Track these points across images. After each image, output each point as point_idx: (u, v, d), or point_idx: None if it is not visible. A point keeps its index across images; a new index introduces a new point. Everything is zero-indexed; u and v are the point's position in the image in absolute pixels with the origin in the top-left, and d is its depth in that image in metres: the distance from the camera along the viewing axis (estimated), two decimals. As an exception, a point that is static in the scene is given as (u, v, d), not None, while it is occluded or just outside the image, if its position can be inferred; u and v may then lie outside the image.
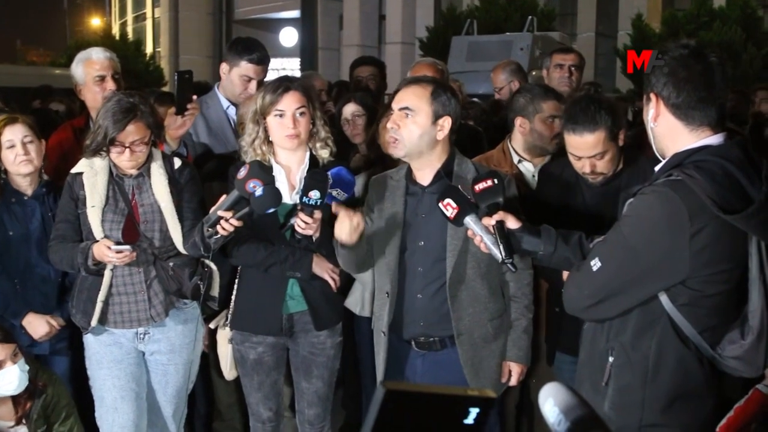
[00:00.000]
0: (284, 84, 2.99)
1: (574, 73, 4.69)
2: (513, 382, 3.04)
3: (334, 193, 2.91)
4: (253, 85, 3.84)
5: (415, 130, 2.78)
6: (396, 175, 3.00)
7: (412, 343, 2.95)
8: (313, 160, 3.07)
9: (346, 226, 2.73)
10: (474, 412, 0.75)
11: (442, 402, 0.74)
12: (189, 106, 3.40)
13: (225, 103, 3.92)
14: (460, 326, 2.87)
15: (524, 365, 3.04)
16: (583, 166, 2.94)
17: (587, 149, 2.88)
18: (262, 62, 3.91)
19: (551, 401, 0.84)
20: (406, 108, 2.80)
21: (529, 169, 3.49)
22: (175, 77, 3.44)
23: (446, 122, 2.80)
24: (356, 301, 3.62)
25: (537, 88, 3.58)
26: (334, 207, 2.80)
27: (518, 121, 3.45)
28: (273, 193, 2.77)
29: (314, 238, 2.95)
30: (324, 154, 3.07)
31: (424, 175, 2.90)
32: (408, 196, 2.92)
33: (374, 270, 3.06)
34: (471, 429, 0.74)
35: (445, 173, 2.87)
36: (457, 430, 0.74)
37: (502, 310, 2.97)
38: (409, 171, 2.94)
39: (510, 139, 3.55)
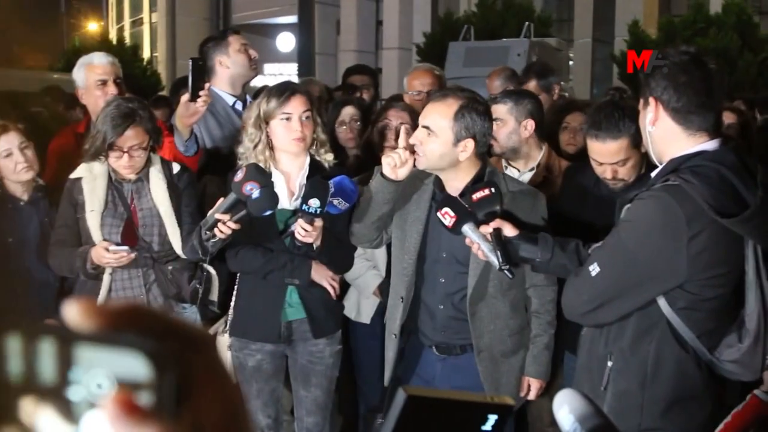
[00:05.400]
0: (290, 87, 3.02)
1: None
2: (531, 396, 3.00)
3: (336, 202, 2.85)
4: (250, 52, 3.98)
5: (436, 150, 2.67)
6: (426, 178, 2.88)
7: (433, 348, 2.91)
8: (313, 166, 3.06)
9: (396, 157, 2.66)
10: (492, 419, 0.76)
11: (461, 408, 0.75)
12: (201, 93, 3.37)
13: (230, 99, 3.91)
14: (481, 343, 2.82)
15: (543, 381, 2.98)
16: (604, 172, 2.88)
17: (609, 156, 2.82)
18: (238, 32, 4.10)
19: (566, 408, 0.83)
20: (427, 127, 2.69)
21: (514, 173, 3.50)
22: (189, 64, 3.43)
23: (469, 144, 2.65)
24: (352, 307, 3.60)
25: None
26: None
27: None
28: (269, 196, 2.76)
29: (315, 246, 2.92)
30: (329, 157, 3.07)
31: (452, 188, 2.79)
32: (434, 202, 2.81)
33: (391, 272, 3.00)
34: None
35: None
36: None
37: (524, 325, 2.92)
38: (438, 177, 2.84)
39: None
